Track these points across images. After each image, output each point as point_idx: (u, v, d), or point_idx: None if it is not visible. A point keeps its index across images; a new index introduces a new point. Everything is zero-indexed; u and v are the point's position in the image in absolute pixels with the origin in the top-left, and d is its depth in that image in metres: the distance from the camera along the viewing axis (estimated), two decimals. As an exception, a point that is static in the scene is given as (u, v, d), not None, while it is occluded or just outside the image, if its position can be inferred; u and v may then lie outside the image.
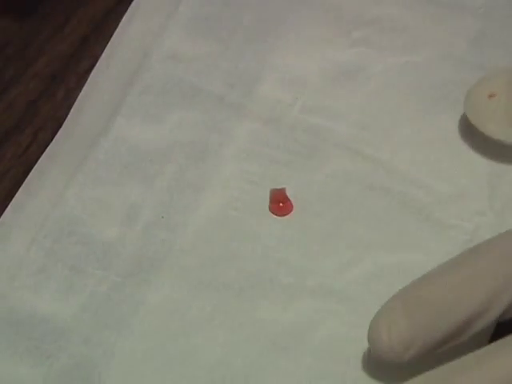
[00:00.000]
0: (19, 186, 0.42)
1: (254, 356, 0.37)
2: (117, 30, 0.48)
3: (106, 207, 0.42)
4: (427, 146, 0.42)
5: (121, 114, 0.44)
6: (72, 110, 0.45)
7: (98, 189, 0.42)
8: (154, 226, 0.41)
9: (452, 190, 0.41)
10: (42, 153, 0.43)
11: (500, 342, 0.33)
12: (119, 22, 0.47)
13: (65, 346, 0.38)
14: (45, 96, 0.46)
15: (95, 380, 0.37)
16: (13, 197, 0.42)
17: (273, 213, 0.41)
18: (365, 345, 0.36)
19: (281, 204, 0.41)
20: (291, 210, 0.41)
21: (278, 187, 0.41)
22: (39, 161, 0.43)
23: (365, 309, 0.37)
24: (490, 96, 0.39)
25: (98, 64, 0.46)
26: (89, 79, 0.46)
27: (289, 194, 0.41)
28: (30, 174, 0.43)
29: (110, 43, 0.47)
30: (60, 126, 0.44)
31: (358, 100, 0.44)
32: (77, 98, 0.45)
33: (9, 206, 0.42)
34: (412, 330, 0.34)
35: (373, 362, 0.36)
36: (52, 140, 0.44)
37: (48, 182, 0.42)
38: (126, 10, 0.48)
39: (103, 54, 0.47)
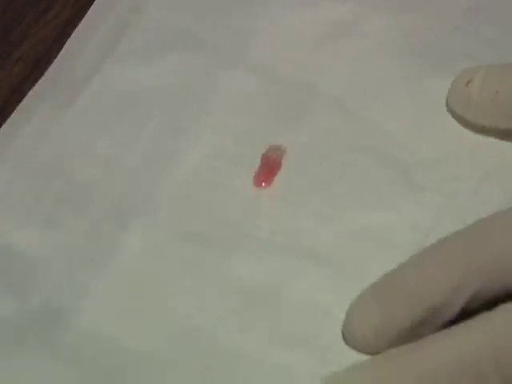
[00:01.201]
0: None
1: (223, 310, 0.37)
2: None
3: (91, 148, 0.42)
4: (414, 108, 0.42)
5: (112, 57, 0.45)
6: (63, 50, 0.46)
7: (84, 130, 0.43)
8: (136, 172, 0.41)
9: (434, 153, 0.40)
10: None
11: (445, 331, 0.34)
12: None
13: (39, 282, 0.38)
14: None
15: (66, 320, 0.37)
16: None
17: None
18: (336, 305, 0.36)
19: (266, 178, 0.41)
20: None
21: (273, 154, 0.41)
22: (27, 95, 0.44)
23: (339, 268, 0.37)
24: (468, 83, 0.40)
25: (90, 9, 0.47)
26: (81, 23, 0.46)
27: (274, 149, 0.41)
28: (17, 109, 0.43)
29: None
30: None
31: (349, 57, 0.44)
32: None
33: None
34: (384, 319, 0.34)
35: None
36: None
37: (35, 119, 0.43)
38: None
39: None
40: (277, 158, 0.41)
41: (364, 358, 0.35)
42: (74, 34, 0.46)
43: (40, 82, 0.45)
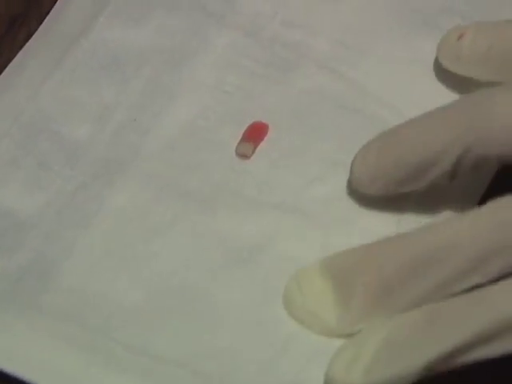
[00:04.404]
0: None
1: (209, 266, 0.37)
2: None
3: (79, 106, 0.42)
4: (403, 68, 0.42)
5: (103, 15, 0.45)
6: (54, 8, 0.45)
7: (74, 87, 0.42)
8: (124, 129, 0.41)
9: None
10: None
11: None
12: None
13: (25, 241, 0.38)
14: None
15: (52, 276, 0.37)
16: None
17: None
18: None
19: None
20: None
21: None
22: (18, 55, 0.44)
23: (325, 227, 0.38)
24: (459, 37, 0.40)
25: None
26: None
27: (262, 108, 0.41)
28: (8, 67, 0.43)
29: None
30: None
31: (339, 17, 0.44)
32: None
33: None
34: (379, 164, 0.36)
35: None
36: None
37: (25, 77, 0.43)
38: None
39: None
40: (263, 123, 0.41)
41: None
42: None
43: (32, 39, 0.44)
